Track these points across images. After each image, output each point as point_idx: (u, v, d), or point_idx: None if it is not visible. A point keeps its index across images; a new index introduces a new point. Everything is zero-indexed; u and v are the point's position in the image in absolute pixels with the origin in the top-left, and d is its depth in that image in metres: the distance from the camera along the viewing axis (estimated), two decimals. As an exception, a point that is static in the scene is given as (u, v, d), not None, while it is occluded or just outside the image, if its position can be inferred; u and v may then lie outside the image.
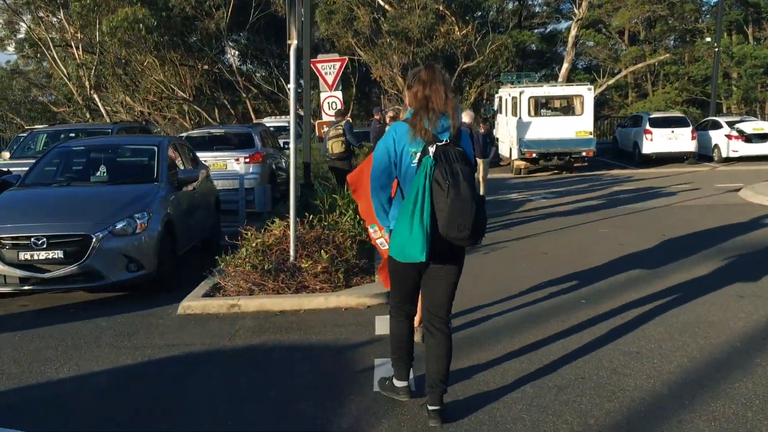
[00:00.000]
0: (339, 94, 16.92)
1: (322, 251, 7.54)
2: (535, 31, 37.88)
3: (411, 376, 4.59)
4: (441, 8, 31.25)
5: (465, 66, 32.10)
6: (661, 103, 29.74)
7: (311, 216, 8.60)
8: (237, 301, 6.96)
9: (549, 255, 9.40)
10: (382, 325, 6.02)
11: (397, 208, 4.06)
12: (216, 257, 7.71)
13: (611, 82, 31.80)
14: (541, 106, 22.27)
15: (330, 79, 16.84)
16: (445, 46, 32.10)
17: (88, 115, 32.40)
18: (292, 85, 7.62)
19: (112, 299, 7.68)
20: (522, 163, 22.05)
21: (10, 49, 39.77)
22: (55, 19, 34.37)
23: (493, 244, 10.14)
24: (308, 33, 12.45)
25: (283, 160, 16.37)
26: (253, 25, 34.04)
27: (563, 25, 42.96)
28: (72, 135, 14.31)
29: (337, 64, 16.85)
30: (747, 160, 23.28)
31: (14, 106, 35.33)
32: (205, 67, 36.88)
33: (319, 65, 16.73)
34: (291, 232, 7.68)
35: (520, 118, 21.78)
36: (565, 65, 31.20)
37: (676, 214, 12.77)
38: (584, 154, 21.78)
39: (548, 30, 41.92)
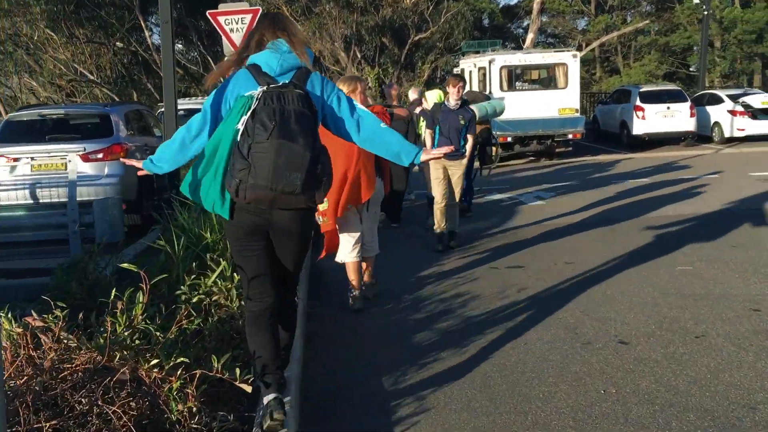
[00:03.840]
0: (251, 59, 11.56)
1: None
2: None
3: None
4: (387, -29, 25.99)
5: (417, 38, 26.95)
6: (641, 76, 25.19)
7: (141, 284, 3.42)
8: None
9: (636, 350, 4.39)
10: None
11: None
12: None
13: (582, 54, 27.07)
14: (516, 78, 17.30)
15: (238, 38, 11.49)
16: (393, 16, 26.86)
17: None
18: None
19: None
20: (494, 149, 17.07)
21: None
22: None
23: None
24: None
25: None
26: (170, -6, 28.22)
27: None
28: None
29: (248, 17, 11.48)
30: (753, 140, 18.86)
31: None
32: (118, 45, 31.00)
33: (220, 18, 11.37)
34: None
35: (490, 93, 16.76)
36: (530, 35, 26.32)
37: (751, 224, 7.94)
38: (570, 136, 16.94)
39: (501, 4, 37.22)
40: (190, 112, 16.70)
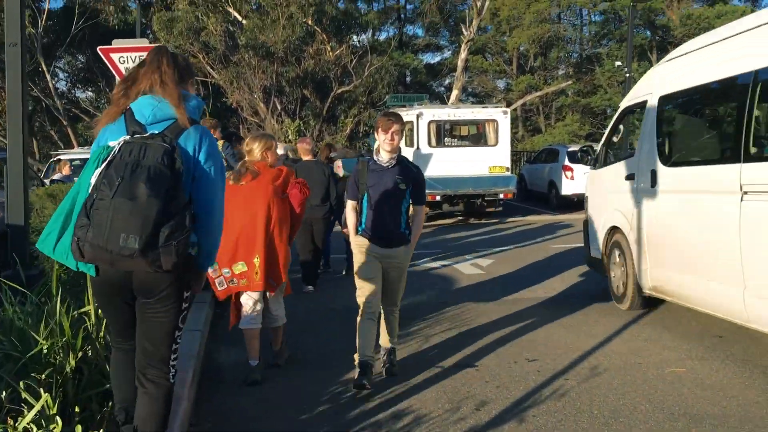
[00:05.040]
0: (150, 103, 9.91)
1: None
2: (419, 55, 32.26)
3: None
4: (310, 22, 24.86)
5: (339, 91, 25.81)
6: (565, 136, 24.82)
7: None
8: None
9: None
10: None
11: None
12: None
13: (511, 109, 26.63)
14: (444, 133, 16.20)
15: (134, 79, 9.81)
16: (315, 68, 25.68)
17: None
18: None
19: None
20: (420, 209, 15.78)
21: None
22: None
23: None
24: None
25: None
26: (76, 38, 26.21)
27: (441, 57, 37.86)
28: None
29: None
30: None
31: None
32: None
33: (114, 56, 9.74)
34: None
35: (417, 148, 15.60)
36: (455, 92, 25.64)
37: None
38: (502, 196, 15.87)
39: (424, 62, 36.81)
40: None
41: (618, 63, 23.62)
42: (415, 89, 32.82)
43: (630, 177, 6.64)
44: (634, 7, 21.60)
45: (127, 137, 2.83)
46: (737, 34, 5.23)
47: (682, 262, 5.70)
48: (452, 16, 31.49)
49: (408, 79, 35.92)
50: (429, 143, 15.68)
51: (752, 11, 26.50)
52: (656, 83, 6.53)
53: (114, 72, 9.79)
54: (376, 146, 4.94)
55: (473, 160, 15.76)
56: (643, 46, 26.94)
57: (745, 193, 4.83)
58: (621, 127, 7.59)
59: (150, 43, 12.83)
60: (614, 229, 6.98)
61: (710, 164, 5.46)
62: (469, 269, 9.56)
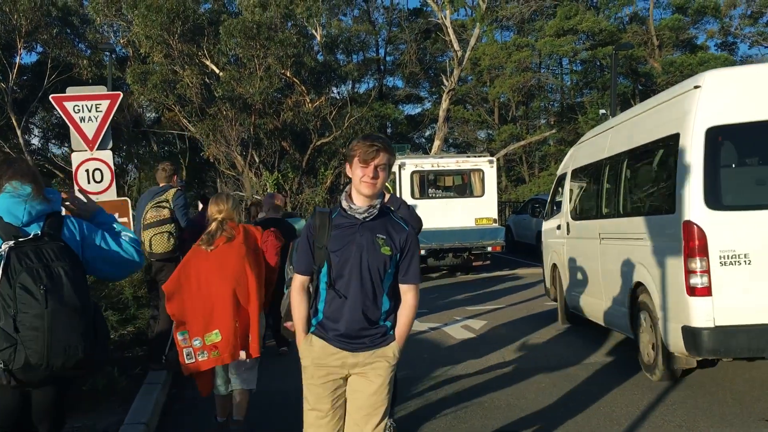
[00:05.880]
0: (108, 155, 9.10)
1: None
2: (399, 106, 31.81)
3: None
4: (288, 74, 24.26)
5: (319, 143, 25.09)
6: (549, 185, 24.26)
7: None
8: None
9: None
10: None
11: None
12: None
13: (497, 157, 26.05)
14: (428, 184, 15.41)
15: (90, 129, 9.06)
16: (294, 120, 25.00)
17: None
18: None
19: None
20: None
21: None
22: None
23: None
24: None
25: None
26: (48, 92, 25.37)
27: (421, 108, 37.51)
28: None
29: (104, 104, 9.05)
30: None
31: None
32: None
33: (68, 105, 8.91)
34: None
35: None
36: (437, 142, 25.03)
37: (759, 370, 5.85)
38: (489, 249, 15.01)
39: (405, 113, 36.49)
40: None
41: (602, 111, 23.24)
42: (396, 140, 32.30)
43: (559, 227, 8.93)
44: (616, 54, 21.24)
45: (11, 243, 2.63)
46: (600, 133, 7.85)
47: (581, 286, 7.91)
48: (432, 67, 31.21)
49: (389, 130, 35.50)
50: (412, 194, 14.87)
51: (734, 61, 26.54)
52: (571, 159, 9.01)
53: (67, 121, 8.94)
54: (347, 189, 3.17)
55: (459, 211, 14.99)
56: (626, 94, 26.67)
57: (602, 238, 7.12)
58: (560, 189, 9.55)
59: (117, 90, 11.86)
60: (554, 266, 9.16)
61: (588, 219, 7.83)
62: (461, 333, 8.60)
